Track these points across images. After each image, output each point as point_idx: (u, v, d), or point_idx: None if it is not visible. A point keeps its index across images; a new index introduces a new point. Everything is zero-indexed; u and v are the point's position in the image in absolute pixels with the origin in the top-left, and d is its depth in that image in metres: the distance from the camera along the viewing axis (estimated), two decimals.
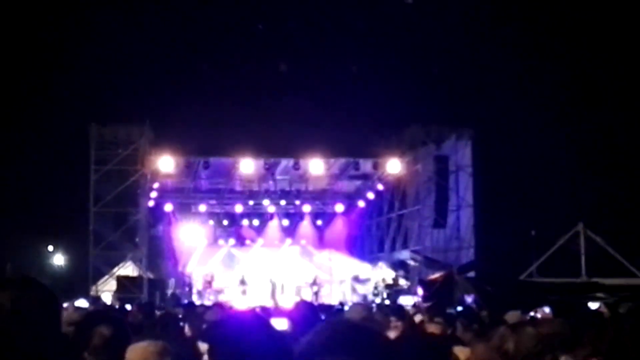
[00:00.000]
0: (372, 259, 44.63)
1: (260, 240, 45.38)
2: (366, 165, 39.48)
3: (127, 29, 38.05)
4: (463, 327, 10.87)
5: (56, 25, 39.38)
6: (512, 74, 37.67)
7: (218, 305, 20.36)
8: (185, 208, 44.87)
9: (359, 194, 45.13)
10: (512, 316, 12.12)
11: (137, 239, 37.36)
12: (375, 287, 38.89)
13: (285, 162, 39.23)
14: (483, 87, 38.91)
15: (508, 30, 38.84)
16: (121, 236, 37.05)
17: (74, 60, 39.17)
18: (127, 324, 7.33)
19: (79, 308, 7.84)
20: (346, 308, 18.18)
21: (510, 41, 38.59)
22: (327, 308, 22.16)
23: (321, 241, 46.11)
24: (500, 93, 38.20)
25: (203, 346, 4.63)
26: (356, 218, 46.93)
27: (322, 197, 46.09)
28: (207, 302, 30.84)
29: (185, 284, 40.48)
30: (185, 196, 44.28)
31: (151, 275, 37.80)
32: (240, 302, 35.40)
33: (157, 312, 15.99)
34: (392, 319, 10.62)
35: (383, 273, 41.28)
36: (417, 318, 12.14)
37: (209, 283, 39.71)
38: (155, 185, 39.57)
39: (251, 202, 44.95)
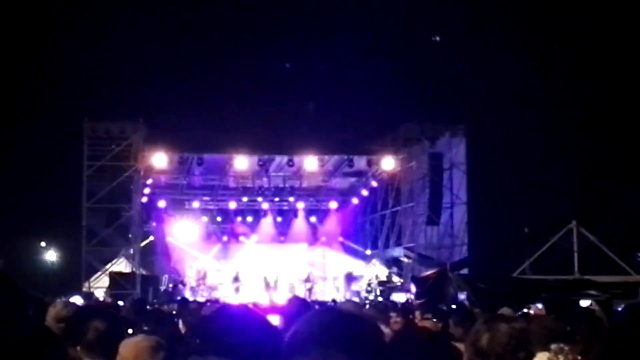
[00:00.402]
0: (366, 256, 44.65)
1: (254, 237, 45.34)
2: (360, 162, 39.48)
3: (121, 26, 38.01)
4: (455, 323, 10.89)
5: (50, 21, 39.36)
6: (506, 72, 37.66)
7: (213, 302, 20.39)
8: (178, 204, 44.82)
9: (353, 191, 45.13)
10: (504, 312, 12.12)
11: (130, 235, 37.36)
12: (369, 284, 38.89)
13: (280, 159, 39.18)
14: (477, 85, 38.94)
15: (502, 28, 38.90)
16: (114, 232, 37.05)
17: (68, 56, 39.13)
18: (120, 319, 7.33)
19: (68, 304, 7.78)
20: None
21: (504, 39, 38.62)
22: (321, 305, 22.18)
23: (315, 238, 46.09)
24: (495, 91, 38.23)
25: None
26: (350, 215, 46.94)
27: (316, 194, 46.09)
28: (201, 299, 30.83)
29: (178, 280, 40.46)
30: (178, 192, 44.22)
31: (144, 272, 37.78)
32: (234, 298, 35.41)
33: (149, 308, 16.01)
34: (393, 314, 10.64)
35: (376, 270, 41.31)
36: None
37: (202, 279, 39.67)
38: (149, 181, 39.52)
39: (245, 199, 44.91)
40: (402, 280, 38.50)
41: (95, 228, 36.66)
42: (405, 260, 39.80)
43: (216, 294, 37.84)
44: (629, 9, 34.27)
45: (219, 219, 45.92)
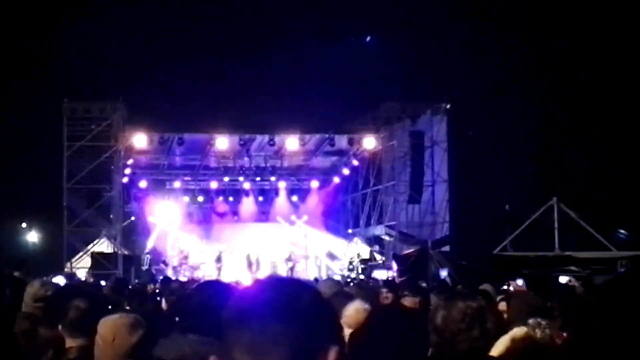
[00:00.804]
0: (347, 235, 44.73)
1: (235, 217, 45.33)
2: (341, 141, 39.43)
3: (101, 6, 37.86)
4: (436, 300, 10.94)
5: (29, 2, 39.13)
6: (487, 50, 37.74)
7: (196, 281, 20.38)
8: (159, 184, 44.68)
9: (334, 170, 45.12)
10: (485, 289, 12.20)
11: (111, 216, 37.30)
12: (351, 262, 39.00)
13: (261, 139, 39.10)
14: (458, 63, 38.99)
15: (484, 7, 38.92)
16: (95, 213, 36.93)
17: (47, 36, 38.94)
18: (102, 298, 7.33)
19: (45, 283, 7.76)
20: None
21: (485, 17, 38.66)
22: None
23: (296, 217, 46.10)
24: (475, 68, 38.29)
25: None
26: (331, 194, 46.93)
27: (297, 173, 46.06)
28: (183, 279, 30.83)
29: (160, 260, 40.43)
30: (159, 172, 44.11)
31: (126, 252, 37.76)
32: (216, 278, 35.42)
33: (131, 287, 16.01)
34: (384, 290, 10.68)
35: (358, 248, 41.41)
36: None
37: (184, 259, 39.65)
38: (129, 161, 39.40)
39: (226, 179, 44.83)
40: (383, 258, 38.62)
41: (76, 209, 36.55)
42: (387, 238, 39.91)
43: (198, 274, 37.87)
44: None
45: (200, 198, 45.83)
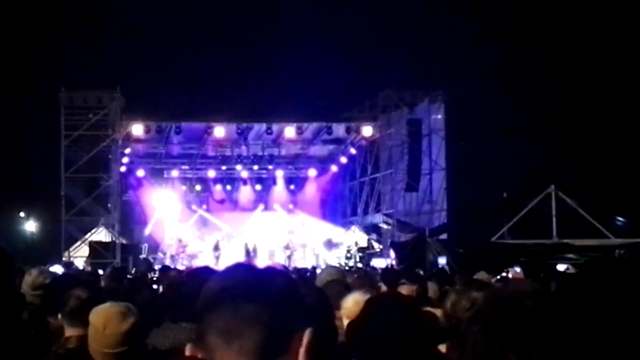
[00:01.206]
0: (345, 223, 44.75)
1: (233, 205, 45.34)
2: (339, 130, 39.41)
3: None
4: (434, 288, 10.95)
5: None
6: (484, 38, 37.71)
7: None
8: (157, 173, 44.68)
9: (332, 158, 45.10)
10: (480, 277, 12.19)
11: (109, 205, 37.32)
12: (348, 251, 39.03)
13: (258, 127, 39.07)
14: (456, 51, 38.97)
15: None
16: (93, 202, 36.96)
17: (44, 25, 38.88)
18: (100, 287, 7.34)
19: (43, 271, 7.75)
20: (318, 271, 18.22)
21: (482, 5, 38.62)
22: (300, 272, 22.25)
23: (294, 205, 46.13)
24: (473, 57, 38.28)
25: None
26: (329, 182, 46.93)
27: (295, 161, 46.05)
28: (181, 267, 30.82)
29: (158, 249, 40.45)
30: (157, 161, 44.10)
31: (124, 241, 37.78)
32: (214, 267, 35.40)
33: (130, 277, 16.04)
34: (381, 284, 10.62)
35: (356, 237, 41.43)
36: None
37: (182, 248, 39.67)
38: (127, 150, 39.45)
39: (224, 167, 44.80)
40: (381, 247, 38.61)
41: (74, 198, 36.57)
42: (385, 226, 39.92)
43: (196, 262, 37.86)
44: None
45: (198, 187, 45.82)
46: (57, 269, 21.52)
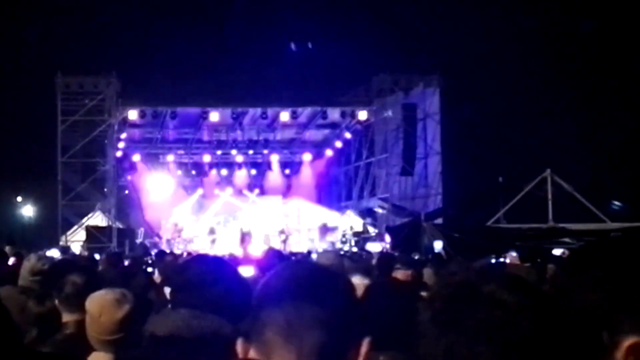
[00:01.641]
0: (340, 207, 44.80)
1: (228, 190, 45.37)
2: (334, 114, 39.44)
3: None
4: (430, 273, 10.99)
5: None
6: (479, 21, 37.69)
7: (190, 254, 20.42)
8: (153, 158, 44.74)
9: (327, 142, 45.12)
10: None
11: (105, 189, 37.41)
12: (344, 235, 39.06)
13: (253, 112, 39.10)
14: (451, 35, 38.94)
15: None
16: (90, 186, 37.09)
17: (40, 10, 38.82)
18: (97, 272, 7.38)
19: (42, 257, 7.80)
20: (314, 256, 18.25)
21: None
22: (296, 256, 22.28)
23: (289, 190, 46.20)
24: (468, 40, 38.25)
25: (167, 290, 4.67)
26: (324, 167, 46.96)
27: (290, 146, 46.10)
28: (177, 251, 30.87)
29: (154, 233, 40.52)
30: (153, 146, 44.16)
31: (120, 225, 37.86)
32: (210, 251, 35.48)
33: (126, 262, 16.09)
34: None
35: (351, 221, 41.46)
36: None
37: (178, 232, 39.73)
38: (123, 135, 39.50)
39: (219, 152, 44.85)
40: (376, 231, 38.66)
41: (70, 182, 36.69)
42: (380, 210, 39.99)
43: (192, 247, 37.92)
44: None
45: (193, 172, 45.90)
46: (54, 253, 21.55)
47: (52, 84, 35.87)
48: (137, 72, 36.76)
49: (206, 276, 4.00)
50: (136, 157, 43.18)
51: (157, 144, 44.09)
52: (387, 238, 32.51)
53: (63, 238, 36.01)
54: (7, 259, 10.60)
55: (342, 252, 30.87)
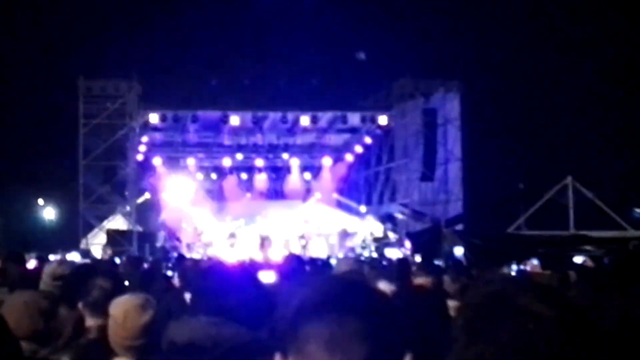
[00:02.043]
0: (360, 213, 44.73)
1: (248, 194, 45.43)
2: (354, 119, 39.40)
3: None
4: (450, 280, 10.94)
5: None
6: (500, 27, 37.60)
7: (210, 260, 20.47)
8: (173, 162, 44.81)
9: (347, 147, 45.09)
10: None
11: (126, 192, 37.52)
12: (363, 241, 39.02)
13: (273, 116, 39.13)
14: (472, 40, 38.88)
15: None
16: (110, 190, 37.20)
17: (63, 14, 39.01)
18: (121, 277, 7.41)
19: (63, 262, 7.85)
20: (333, 261, 18.25)
21: None
22: (315, 261, 22.26)
23: (309, 194, 46.20)
24: (489, 46, 38.18)
25: (187, 296, 4.69)
26: (344, 171, 46.93)
27: (310, 150, 46.07)
28: (196, 255, 30.96)
29: (174, 237, 40.59)
30: (173, 150, 44.24)
31: (140, 229, 37.93)
32: (230, 255, 35.53)
33: (145, 265, 16.13)
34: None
35: (371, 226, 41.40)
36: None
37: (198, 236, 39.80)
38: (144, 138, 39.64)
39: (239, 156, 44.88)
40: (396, 237, 38.60)
41: (92, 185, 36.81)
42: (400, 216, 39.90)
43: (211, 251, 37.99)
44: None
45: (213, 176, 45.98)
46: (74, 256, 21.69)
47: (74, 87, 36.04)
48: (159, 76, 36.92)
49: (226, 284, 4.01)
50: (157, 161, 43.27)
51: (178, 148, 44.18)
52: (407, 244, 32.47)
53: (84, 241, 36.13)
54: (25, 263, 10.66)
55: (362, 258, 30.91)
